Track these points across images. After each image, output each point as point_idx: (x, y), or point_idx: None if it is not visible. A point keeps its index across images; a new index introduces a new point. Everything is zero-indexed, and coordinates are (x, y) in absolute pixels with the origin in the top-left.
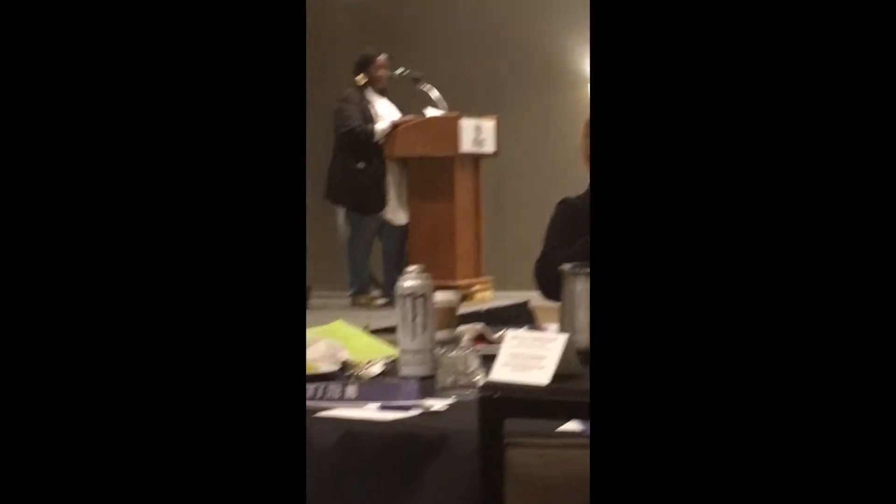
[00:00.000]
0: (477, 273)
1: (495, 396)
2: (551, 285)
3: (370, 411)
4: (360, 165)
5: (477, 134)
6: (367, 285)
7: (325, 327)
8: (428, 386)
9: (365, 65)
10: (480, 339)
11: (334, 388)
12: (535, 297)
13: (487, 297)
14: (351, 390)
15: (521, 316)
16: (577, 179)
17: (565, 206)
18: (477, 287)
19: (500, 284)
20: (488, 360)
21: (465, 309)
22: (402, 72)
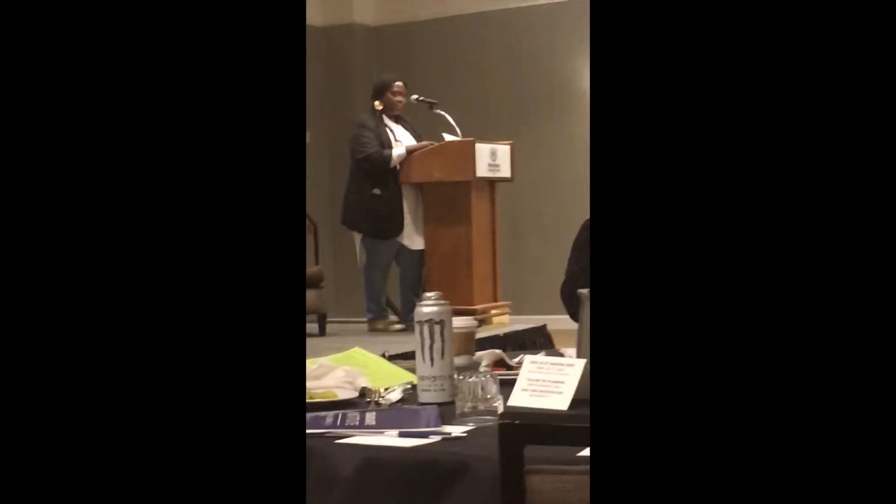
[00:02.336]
0: (494, 297)
1: (515, 423)
2: (578, 308)
3: (390, 438)
4: (377, 191)
5: (492, 159)
6: (385, 311)
7: (343, 354)
8: (447, 412)
9: (381, 91)
10: (499, 364)
11: (353, 415)
12: (552, 321)
13: (505, 322)
14: (370, 417)
15: (538, 339)
16: None
17: (589, 226)
18: (494, 311)
19: (517, 308)
20: (507, 386)
21: (482, 333)
22: (418, 98)
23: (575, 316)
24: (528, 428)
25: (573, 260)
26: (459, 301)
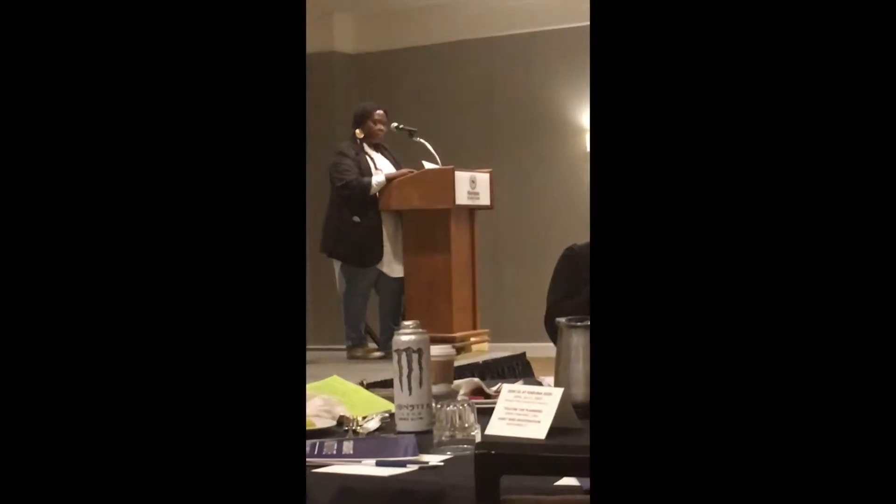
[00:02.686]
0: (473, 325)
1: (491, 453)
2: None
3: (367, 467)
4: (356, 219)
5: (472, 186)
6: (364, 338)
7: (321, 382)
8: (425, 441)
9: (362, 119)
10: (477, 392)
11: (331, 444)
12: (531, 349)
13: (484, 349)
14: (348, 446)
15: (517, 367)
16: (571, 231)
17: (570, 254)
18: (474, 339)
19: (497, 336)
20: (485, 414)
21: (462, 361)
22: (398, 126)
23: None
24: (503, 458)
25: (552, 290)
26: (439, 329)
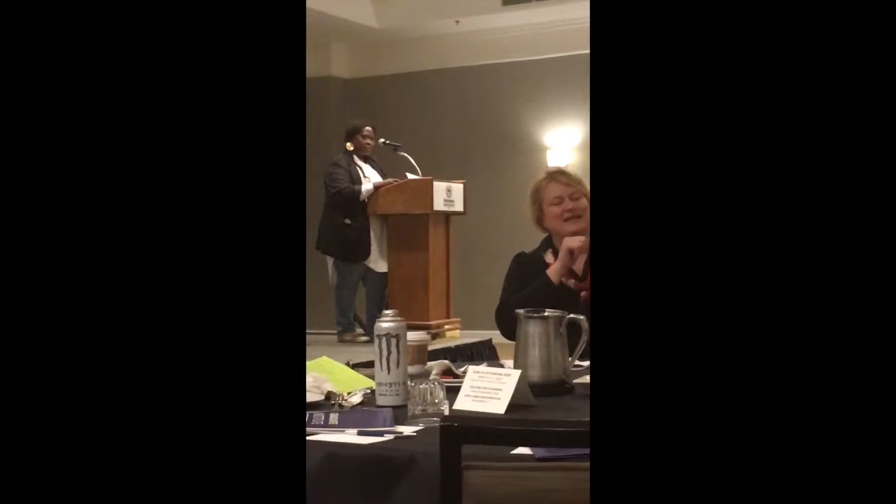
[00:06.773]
0: (447, 314)
1: (455, 425)
2: (509, 327)
3: (350, 436)
4: (347, 221)
5: (448, 195)
6: (352, 325)
7: (312, 362)
8: (401, 414)
9: (353, 134)
10: (447, 373)
11: (319, 415)
12: (496, 336)
13: (456, 336)
14: (333, 417)
15: (484, 352)
16: (532, 234)
17: (519, 259)
18: (447, 326)
19: (467, 324)
20: (454, 392)
21: (436, 346)
22: (384, 141)
23: (507, 335)
24: (465, 429)
25: (505, 288)
26: (417, 317)
